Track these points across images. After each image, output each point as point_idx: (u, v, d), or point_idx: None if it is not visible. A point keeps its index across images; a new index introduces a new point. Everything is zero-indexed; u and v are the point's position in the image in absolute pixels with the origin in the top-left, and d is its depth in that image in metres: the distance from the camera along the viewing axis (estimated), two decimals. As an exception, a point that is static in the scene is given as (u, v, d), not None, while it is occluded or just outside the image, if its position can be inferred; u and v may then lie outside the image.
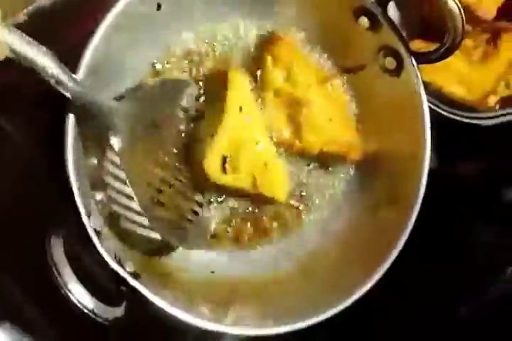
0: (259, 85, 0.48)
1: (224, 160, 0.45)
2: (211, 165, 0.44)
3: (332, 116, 0.48)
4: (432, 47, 0.52)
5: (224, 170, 0.45)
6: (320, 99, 0.47)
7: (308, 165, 0.50)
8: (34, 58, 0.35)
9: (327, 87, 0.49)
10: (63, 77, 0.36)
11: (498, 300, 0.56)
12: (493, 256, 0.58)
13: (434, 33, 0.51)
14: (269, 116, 0.47)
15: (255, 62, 0.48)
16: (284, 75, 0.47)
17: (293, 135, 0.47)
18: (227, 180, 0.45)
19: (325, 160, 0.50)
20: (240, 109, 0.45)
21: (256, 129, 0.46)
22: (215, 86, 0.47)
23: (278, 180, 0.47)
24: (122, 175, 0.42)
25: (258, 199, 0.48)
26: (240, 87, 0.46)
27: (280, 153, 0.48)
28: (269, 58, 0.47)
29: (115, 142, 0.41)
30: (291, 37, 0.49)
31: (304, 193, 0.50)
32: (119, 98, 0.43)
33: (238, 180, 0.45)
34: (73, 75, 0.38)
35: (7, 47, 0.34)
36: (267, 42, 0.48)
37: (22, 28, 0.36)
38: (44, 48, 0.36)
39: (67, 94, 0.37)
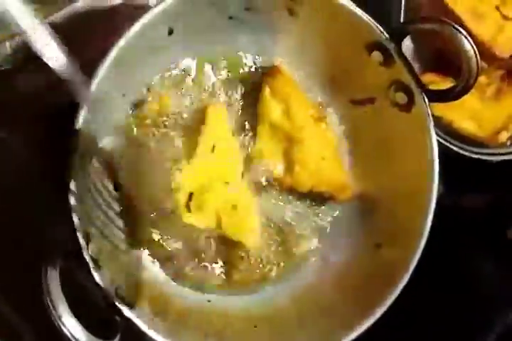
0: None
1: (190, 198, 0.44)
2: (179, 200, 0.44)
3: (325, 155, 0.47)
4: (444, 80, 0.52)
5: (188, 207, 0.44)
6: (314, 137, 0.47)
7: (300, 200, 0.49)
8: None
9: (321, 125, 0.48)
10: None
11: (504, 334, 0.55)
12: (499, 289, 0.57)
13: (447, 66, 0.51)
14: (262, 149, 0.47)
15: (254, 94, 0.48)
16: (281, 109, 0.46)
17: (285, 170, 0.47)
18: (190, 219, 0.44)
19: (316, 198, 0.49)
20: (213, 148, 0.45)
21: (228, 170, 0.46)
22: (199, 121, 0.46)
23: (246, 224, 0.46)
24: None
25: (226, 242, 0.46)
26: (216, 123, 0.45)
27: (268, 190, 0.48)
28: (267, 90, 0.46)
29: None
30: (290, 72, 0.48)
31: (296, 228, 0.49)
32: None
33: (200, 220, 0.44)
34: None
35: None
36: (266, 75, 0.47)
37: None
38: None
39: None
